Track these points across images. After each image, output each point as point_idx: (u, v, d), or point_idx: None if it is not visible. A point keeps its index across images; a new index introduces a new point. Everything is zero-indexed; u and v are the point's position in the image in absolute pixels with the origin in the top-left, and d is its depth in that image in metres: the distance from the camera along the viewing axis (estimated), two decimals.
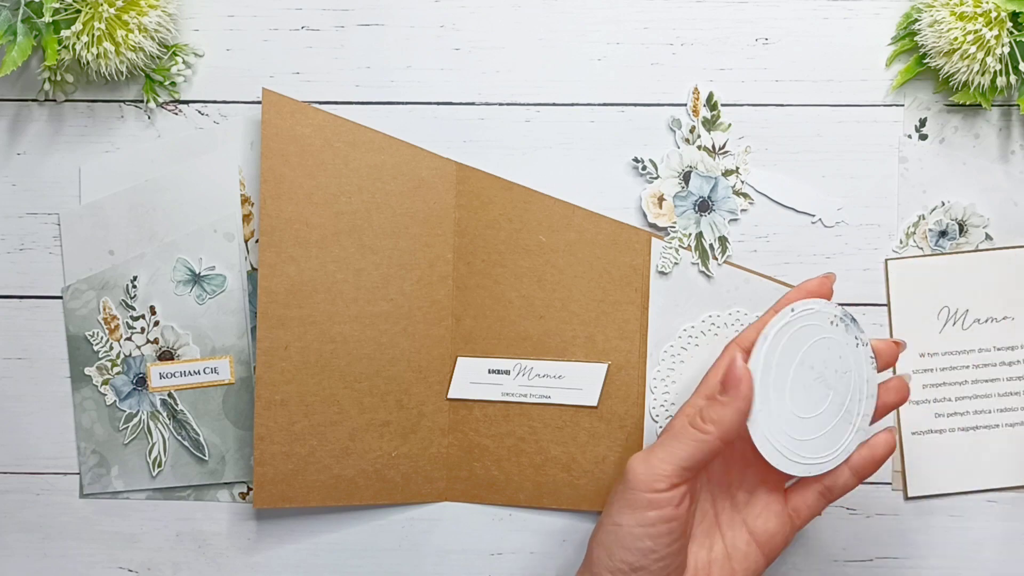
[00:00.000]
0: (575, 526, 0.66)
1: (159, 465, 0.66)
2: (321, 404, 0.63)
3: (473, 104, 0.65)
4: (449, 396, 0.65)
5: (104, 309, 0.66)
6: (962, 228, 0.64)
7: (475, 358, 0.65)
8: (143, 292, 0.66)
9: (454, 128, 0.65)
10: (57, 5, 0.60)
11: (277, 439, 0.62)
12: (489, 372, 0.65)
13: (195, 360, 0.66)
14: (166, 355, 0.66)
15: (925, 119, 0.64)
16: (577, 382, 0.65)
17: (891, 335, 0.64)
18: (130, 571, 0.67)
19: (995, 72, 0.60)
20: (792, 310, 0.56)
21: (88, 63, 0.62)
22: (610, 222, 0.65)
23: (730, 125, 0.64)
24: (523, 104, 0.65)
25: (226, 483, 0.67)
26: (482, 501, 0.66)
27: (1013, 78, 0.60)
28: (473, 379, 0.65)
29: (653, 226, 0.65)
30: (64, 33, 0.61)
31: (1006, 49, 0.59)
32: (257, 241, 0.65)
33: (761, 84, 0.64)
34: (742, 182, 0.64)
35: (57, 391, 0.67)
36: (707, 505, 0.59)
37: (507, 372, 0.65)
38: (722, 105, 0.64)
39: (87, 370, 0.66)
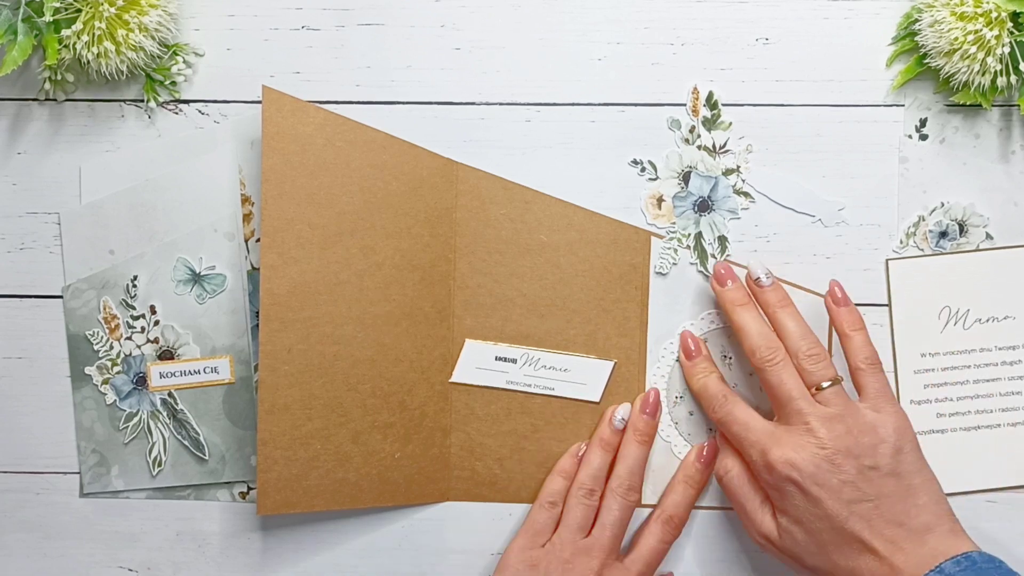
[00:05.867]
0: None
1: (159, 464, 0.66)
2: (324, 407, 0.63)
3: (473, 104, 0.65)
4: (452, 379, 0.65)
5: (104, 308, 0.66)
6: (962, 228, 0.64)
7: (484, 342, 0.65)
8: (143, 291, 0.66)
9: (454, 128, 0.65)
10: (58, 4, 0.60)
11: (280, 444, 0.62)
12: (496, 359, 0.65)
13: (195, 360, 0.66)
14: (166, 354, 0.66)
15: (925, 119, 0.64)
16: (582, 377, 0.65)
17: (892, 335, 0.64)
18: (130, 570, 0.67)
19: (995, 72, 0.60)
20: None
21: (89, 62, 0.62)
22: (610, 221, 0.65)
23: (731, 124, 0.64)
24: (523, 104, 0.65)
25: (226, 483, 0.67)
26: (484, 500, 0.66)
27: (1013, 78, 0.60)
28: (479, 364, 0.65)
29: (653, 226, 0.65)
30: (65, 32, 0.61)
31: (1006, 49, 0.59)
32: (258, 240, 0.65)
33: (761, 84, 0.64)
34: (743, 181, 0.64)
35: (57, 390, 0.67)
36: None
37: (514, 360, 0.65)
38: (723, 105, 0.64)
39: (87, 369, 0.66)
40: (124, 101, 0.66)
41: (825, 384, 0.58)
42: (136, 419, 0.66)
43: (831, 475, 0.56)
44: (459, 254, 0.65)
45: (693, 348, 0.64)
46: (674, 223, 0.65)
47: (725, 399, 0.61)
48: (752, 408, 0.61)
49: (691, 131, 0.64)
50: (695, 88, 0.64)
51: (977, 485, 0.63)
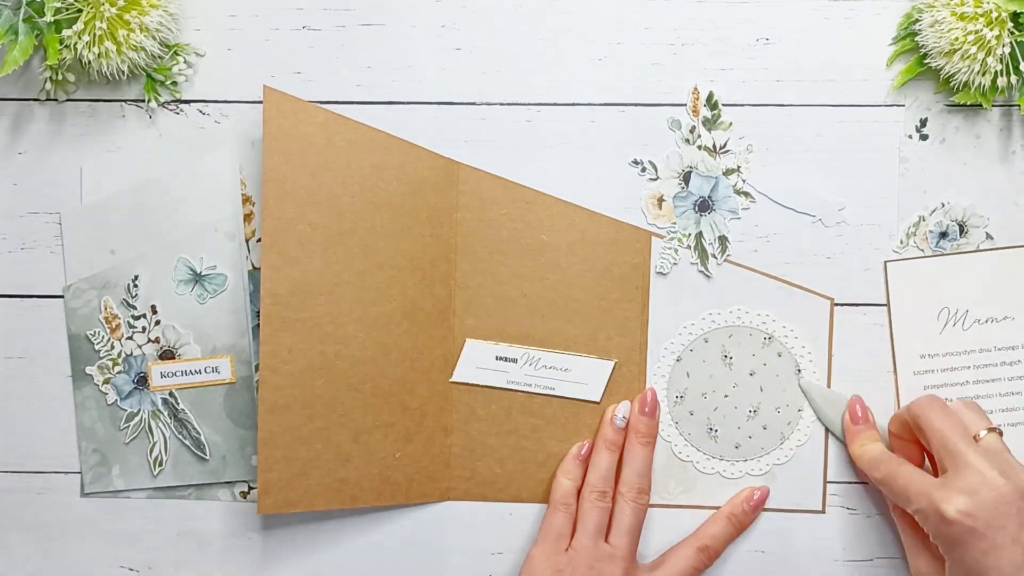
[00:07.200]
0: None
1: (160, 464, 0.66)
2: (325, 407, 0.63)
3: (474, 104, 0.65)
4: (453, 379, 0.65)
5: (105, 308, 0.66)
6: (962, 229, 0.64)
7: (484, 342, 0.65)
8: (144, 291, 0.66)
9: (455, 128, 0.65)
10: (59, 4, 0.60)
11: (281, 444, 0.62)
12: (496, 359, 0.65)
13: (196, 359, 0.66)
14: (167, 354, 0.66)
15: (926, 119, 0.64)
16: (582, 376, 0.65)
17: (891, 336, 0.64)
18: (131, 570, 0.67)
19: (996, 72, 0.60)
20: None
21: (89, 62, 0.62)
22: (611, 221, 0.65)
23: (731, 124, 0.64)
24: (523, 104, 0.65)
25: (227, 482, 0.67)
26: (484, 500, 0.66)
27: (1014, 78, 0.60)
28: (480, 364, 0.65)
29: (654, 226, 0.65)
30: (66, 32, 0.61)
31: (1007, 49, 0.59)
32: (258, 240, 0.65)
33: (762, 84, 0.64)
34: (743, 181, 0.64)
35: (58, 390, 0.67)
36: None
37: (514, 360, 0.65)
38: (723, 105, 0.64)
39: (88, 369, 0.66)
40: (125, 101, 0.66)
41: (983, 433, 0.57)
42: (137, 419, 0.66)
43: (1008, 518, 0.53)
44: (460, 254, 0.65)
45: (860, 415, 0.64)
46: (675, 223, 0.65)
47: (889, 459, 0.60)
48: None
49: (691, 131, 0.64)
50: (695, 88, 0.64)
51: None
